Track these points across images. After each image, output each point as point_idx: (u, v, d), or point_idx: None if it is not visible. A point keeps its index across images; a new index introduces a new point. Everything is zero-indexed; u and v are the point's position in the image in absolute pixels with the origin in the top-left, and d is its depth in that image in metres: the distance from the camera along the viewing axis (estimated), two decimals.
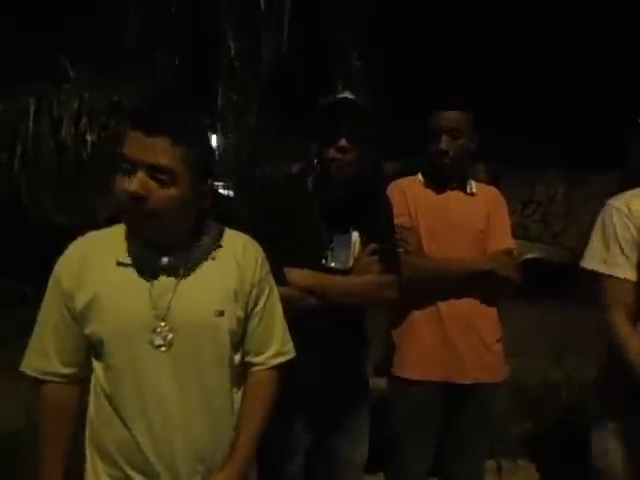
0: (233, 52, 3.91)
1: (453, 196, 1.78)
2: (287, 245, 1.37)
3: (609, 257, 1.43)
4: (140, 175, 0.96)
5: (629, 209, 1.42)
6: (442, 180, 1.79)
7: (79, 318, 1.04)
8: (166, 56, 3.95)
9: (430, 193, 1.78)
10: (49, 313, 1.06)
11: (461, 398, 1.72)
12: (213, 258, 1.10)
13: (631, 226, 1.41)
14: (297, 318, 1.34)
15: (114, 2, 3.86)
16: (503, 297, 1.83)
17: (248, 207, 1.57)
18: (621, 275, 1.42)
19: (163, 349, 1.03)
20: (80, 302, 1.03)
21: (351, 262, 1.46)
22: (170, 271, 1.05)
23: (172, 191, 0.99)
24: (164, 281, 1.05)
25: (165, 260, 1.05)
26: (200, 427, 1.07)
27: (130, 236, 1.05)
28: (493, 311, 1.78)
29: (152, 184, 0.97)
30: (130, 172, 0.97)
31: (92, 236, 1.11)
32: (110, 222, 1.12)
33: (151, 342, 1.03)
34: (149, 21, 3.92)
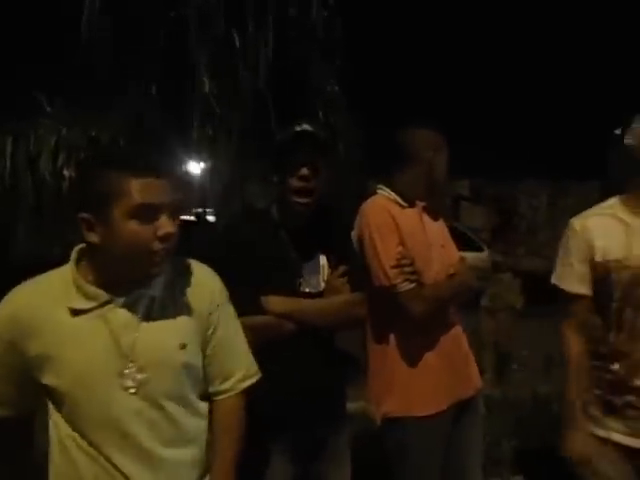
0: (207, 85, 3.97)
1: (425, 216, 1.77)
2: (261, 275, 1.42)
3: (564, 273, 1.53)
4: (166, 217, 1.00)
5: (585, 227, 1.50)
6: (412, 200, 1.74)
7: (27, 368, 1.00)
8: (141, 90, 3.99)
9: (409, 215, 1.72)
10: None
11: (463, 412, 1.72)
12: (171, 290, 1.09)
13: (584, 244, 1.48)
14: (272, 344, 1.39)
15: (88, 37, 3.91)
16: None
17: (219, 240, 1.60)
18: (575, 290, 1.51)
19: (133, 390, 1.01)
20: (29, 353, 0.99)
21: (322, 285, 1.51)
22: (130, 309, 1.03)
23: (179, 223, 1.04)
24: (126, 320, 1.02)
25: (124, 299, 1.03)
26: (173, 463, 1.05)
27: (130, 276, 1.03)
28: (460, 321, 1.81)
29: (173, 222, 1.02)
30: (150, 217, 0.99)
31: (35, 283, 1.06)
32: None
33: (120, 385, 1.00)
34: (124, 55, 3.97)
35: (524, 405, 2.85)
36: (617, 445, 1.45)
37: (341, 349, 1.62)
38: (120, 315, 1.03)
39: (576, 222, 1.53)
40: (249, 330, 1.33)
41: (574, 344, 1.53)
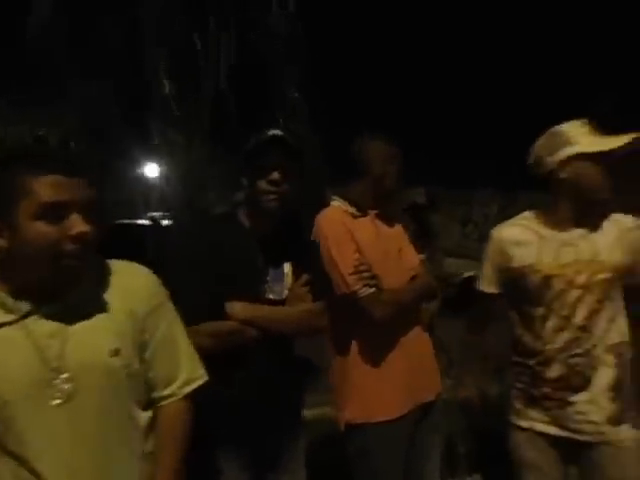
0: (167, 88, 3.92)
1: (379, 223, 1.80)
2: (226, 280, 1.41)
3: (481, 275, 1.70)
4: (76, 216, 0.94)
5: (501, 236, 1.66)
6: (364, 208, 1.76)
7: None
8: (96, 90, 3.88)
9: (363, 223, 1.75)
10: None
11: (423, 413, 1.75)
12: (100, 294, 1.04)
13: (499, 251, 1.65)
14: (231, 353, 1.38)
15: (39, 34, 3.75)
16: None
17: (184, 244, 1.55)
18: (486, 290, 1.68)
19: (59, 401, 0.95)
20: None
21: (285, 293, 1.51)
22: (56, 317, 0.98)
23: (96, 225, 0.98)
24: (51, 330, 0.97)
25: (47, 308, 0.98)
26: (111, 476, 1.00)
27: (47, 283, 0.97)
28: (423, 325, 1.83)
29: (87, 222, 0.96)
30: (58, 217, 0.93)
31: None
32: None
33: (47, 398, 0.95)
34: (78, 54, 3.84)
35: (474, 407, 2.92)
36: (541, 434, 1.58)
37: (300, 356, 1.62)
38: (44, 325, 0.97)
39: (494, 232, 1.69)
40: (212, 336, 1.33)
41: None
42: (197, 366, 1.17)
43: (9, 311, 0.96)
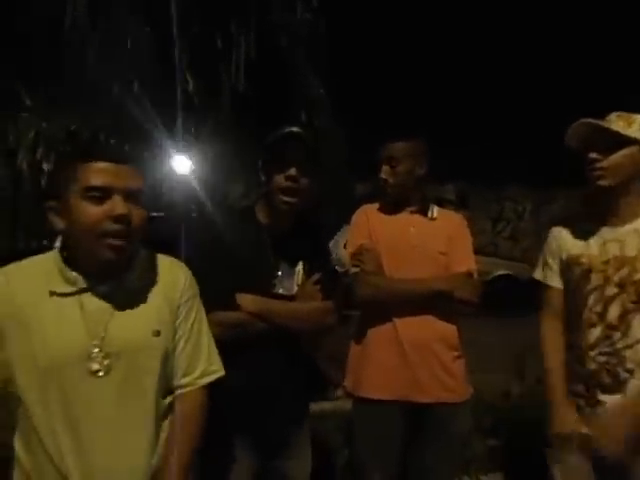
0: (192, 84, 4.00)
1: (412, 219, 1.84)
2: (238, 272, 1.44)
3: (545, 269, 1.67)
4: (118, 199, 1.03)
5: (560, 229, 1.67)
6: (395, 204, 1.86)
7: (5, 348, 1.03)
8: (124, 87, 3.99)
9: (389, 217, 1.86)
10: None
11: (421, 416, 1.74)
12: (146, 280, 1.14)
13: (554, 244, 1.66)
14: (240, 342, 1.40)
15: (71, 31, 3.88)
16: (463, 315, 1.82)
17: (201, 236, 1.58)
18: (552, 284, 1.64)
19: (101, 374, 1.04)
20: (8, 333, 1.02)
21: (295, 289, 1.53)
22: (106, 297, 1.07)
23: (143, 211, 1.08)
24: (100, 307, 1.07)
25: (102, 287, 1.07)
26: (144, 450, 1.07)
27: (100, 262, 1.06)
28: (452, 331, 1.79)
29: (129, 206, 1.05)
30: (102, 199, 1.03)
31: (20, 265, 1.10)
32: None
33: (88, 369, 1.03)
34: (109, 51, 3.95)
35: (495, 405, 2.88)
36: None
37: (306, 352, 1.60)
38: (95, 302, 1.06)
39: (555, 228, 1.70)
40: (220, 325, 1.35)
41: (553, 350, 1.61)
42: (215, 360, 1.23)
43: (70, 283, 1.06)
